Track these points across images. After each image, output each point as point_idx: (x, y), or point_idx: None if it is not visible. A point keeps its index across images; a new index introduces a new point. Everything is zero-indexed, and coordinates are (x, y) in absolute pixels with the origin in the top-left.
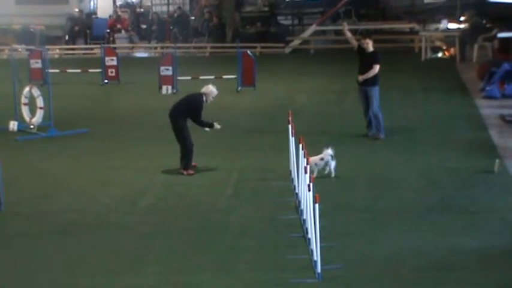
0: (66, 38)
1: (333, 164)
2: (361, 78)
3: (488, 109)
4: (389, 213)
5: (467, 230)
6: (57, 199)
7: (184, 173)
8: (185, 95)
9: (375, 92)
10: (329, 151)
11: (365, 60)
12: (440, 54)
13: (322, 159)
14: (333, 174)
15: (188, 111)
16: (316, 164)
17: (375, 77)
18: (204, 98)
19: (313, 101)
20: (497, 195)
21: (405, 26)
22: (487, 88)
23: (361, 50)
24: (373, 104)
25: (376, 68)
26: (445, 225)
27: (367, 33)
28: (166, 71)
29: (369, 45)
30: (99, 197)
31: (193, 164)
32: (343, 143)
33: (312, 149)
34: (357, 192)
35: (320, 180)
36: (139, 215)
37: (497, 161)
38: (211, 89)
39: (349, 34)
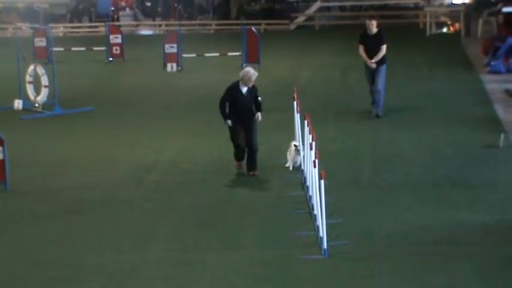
0: (69, 16)
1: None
2: (374, 61)
3: (493, 84)
4: (394, 189)
5: (472, 205)
6: (63, 177)
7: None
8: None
9: (384, 70)
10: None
11: (372, 43)
12: (445, 30)
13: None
14: (290, 167)
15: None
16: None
17: (384, 55)
18: (241, 84)
19: (318, 77)
20: (502, 170)
21: (410, 2)
22: (492, 63)
23: (365, 34)
24: (380, 81)
25: (384, 48)
26: (450, 201)
27: (371, 15)
28: (171, 48)
29: (373, 27)
30: (105, 175)
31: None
32: (348, 120)
33: (318, 126)
34: (362, 168)
35: (326, 156)
36: (146, 193)
37: (502, 135)
38: (244, 72)
39: (365, 58)
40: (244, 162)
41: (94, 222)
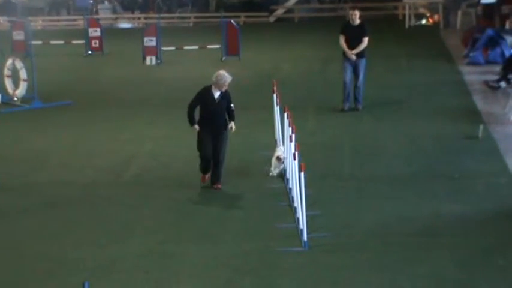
0: (48, 9)
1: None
2: (354, 52)
3: (472, 75)
4: (374, 181)
5: (452, 195)
6: (43, 172)
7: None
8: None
9: (364, 64)
10: (279, 149)
11: (353, 34)
12: (424, 21)
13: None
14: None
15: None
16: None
17: (364, 48)
18: (213, 88)
19: (298, 69)
20: (481, 161)
21: None
22: (471, 54)
23: (347, 25)
24: (360, 76)
25: (366, 40)
26: (429, 192)
27: (354, 5)
28: (150, 41)
29: (356, 17)
30: (85, 169)
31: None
32: (328, 112)
33: (298, 119)
34: (342, 160)
35: (306, 149)
36: (125, 186)
37: (481, 126)
38: (218, 76)
39: (345, 49)
40: (209, 175)
41: (74, 217)
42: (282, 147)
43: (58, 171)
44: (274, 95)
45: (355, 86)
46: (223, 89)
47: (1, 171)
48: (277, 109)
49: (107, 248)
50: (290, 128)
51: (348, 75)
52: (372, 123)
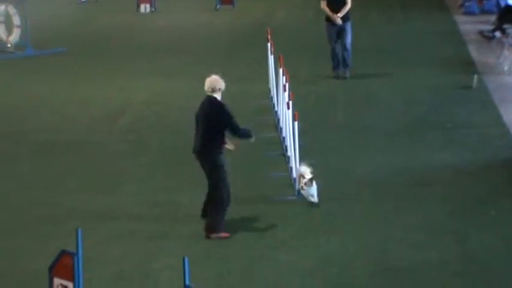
0: None
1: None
2: (340, 15)
3: (467, 25)
4: (368, 131)
5: (445, 146)
6: (36, 118)
7: (213, 236)
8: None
9: (350, 27)
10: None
11: None
12: None
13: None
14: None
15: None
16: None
17: (349, 10)
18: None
19: (292, 18)
20: (475, 111)
21: None
22: (466, 4)
23: None
24: (347, 38)
25: (350, 1)
26: (423, 142)
27: None
28: None
29: None
30: (78, 116)
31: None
32: (322, 62)
33: (292, 68)
34: (336, 110)
35: (299, 98)
36: (118, 134)
37: (475, 76)
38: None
39: (329, 13)
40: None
41: (67, 164)
42: (304, 167)
43: (51, 119)
44: (269, 44)
45: (344, 49)
46: None
47: None
48: (271, 58)
49: (100, 196)
50: (284, 77)
51: (334, 40)
52: (366, 73)
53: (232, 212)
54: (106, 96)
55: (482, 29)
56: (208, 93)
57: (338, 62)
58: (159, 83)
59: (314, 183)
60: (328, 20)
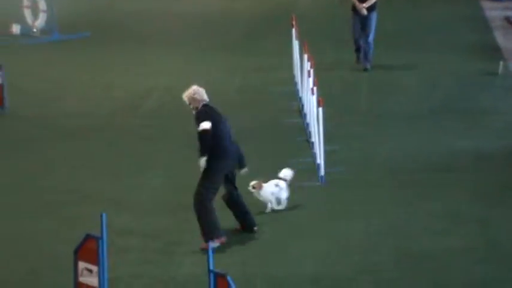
0: None
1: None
2: (365, 6)
3: (494, 11)
4: (391, 117)
5: (467, 132)
6: (61, 103)
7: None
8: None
9: (375, 18)
10: (288, 173)
11: None
12: None
13: (277, 185)
14: (282, 206)
15: None
16: (272, 193)
17: (376, 1)
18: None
19: (316, 4)
20: (500, 97)
21: None
22: None
23: None
24: (372, 30)
25: None
26: (446, 128)
27: None
28: None
29: None
30: (103, 101)
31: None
32: (346, 48)
33: (316, 53)
34: (359, 96)
35: (323, 84)
36: (142, 119)
37: (501, 62)
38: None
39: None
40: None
41: (92, 149)
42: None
43: (76, 103)
44: (293, 30)
45: (366, 42)
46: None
47: (20, 102)
48: (295, 44)
49: (125, 180)
50: (308, 63)
51: (358, 31)
52: (390, 59)
53: (257, 196)
54: (129, 81)
55: (508, 15)
56: (205, 103)
57: (360, 54)
58: (182, 68)
59: (287, 189)
60: (354, 9)
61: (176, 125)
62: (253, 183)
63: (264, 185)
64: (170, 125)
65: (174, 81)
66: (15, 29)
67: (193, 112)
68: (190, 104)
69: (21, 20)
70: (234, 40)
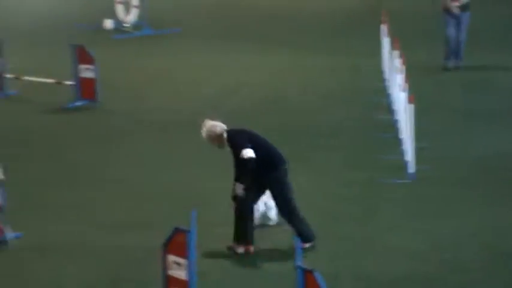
0: None
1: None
2: (458, 5)
3: None
4: (482, 115)
5: None
6: (150, 98)
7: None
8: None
9: (468, 18)
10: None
11: None
12: None
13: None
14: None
15: None
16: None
17: (468, 1)
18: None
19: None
20: None
21: None
22: None
23: None
24: (464, 29)
25: None
26: None
27: None
28: None
29: None
30: (192, 95)
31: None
32: (437, 44)
33: (406, 50)
34: (450, 94)
35: (414, 81)
36: (230, 115)
37: None
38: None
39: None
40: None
41: (179, 142)
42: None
43: (166, 98)
44: (384, 26)
45: (457, 41)
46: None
47: (112, 96)
48: (386, 40)
49: (214, 177)
50: (399, 60)
51: (451, 30)
52: (483, 56)
53: (344, 193)
54: (218, 77)
55: None
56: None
57: (451, 53)
58: (272, 63)
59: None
60: (447, 8)
61: (262, 119)
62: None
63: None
64: (259, 121)
65: (265, 77)
66: (108, 24)
67: (218, 144)
68: (214, 141)
69: (113, 15)
70: (324, 35)
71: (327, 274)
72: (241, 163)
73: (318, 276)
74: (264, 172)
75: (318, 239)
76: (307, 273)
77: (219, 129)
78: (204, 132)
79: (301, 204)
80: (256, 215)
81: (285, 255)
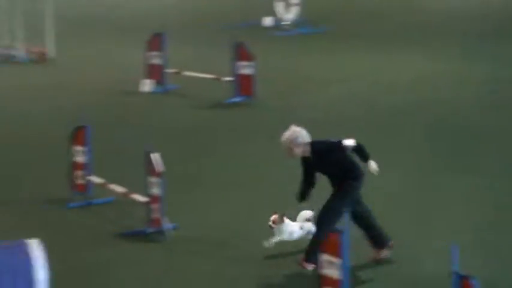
0: None
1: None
2: None
3: None
4: None
5: None
6: (305, 95)
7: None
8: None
9: None
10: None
11: None
12: None
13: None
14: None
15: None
16: (291, 233)
17: None
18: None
19: None
20: None
21: None
22: None
23: None
24: None
25: None
26: None
27: None
28: None
29: None
30: (341, 95)
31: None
32: None
33: None
34: None
35: None
36: (379, 113)
37: None
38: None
39: None
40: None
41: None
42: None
43: (314, 96)
44: None
45: None
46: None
47: (268, 92)
48: None
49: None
50: None
51: None
52: None
53: (498, 199)
54: (365, 76)
55: None
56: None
57: None
58: (423, 64)
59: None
60: None
61: (415, 119)
62: (273, 217)
63: (288, 222)
64: (407, 120)
65: (416, 77)
66: (267, 21)
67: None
68: (294, 153)
69: (273, 13)
70: (481, 37)
71: (482, 281)
72: (356, 148)
73: (475, 283)
74: (344, 178)
75: (474, 244)
76: (463, 280)
77: (301, 140)
78: (287, 138)
79: (451, 208)
80: (295, 236)
81: (440, 260)
